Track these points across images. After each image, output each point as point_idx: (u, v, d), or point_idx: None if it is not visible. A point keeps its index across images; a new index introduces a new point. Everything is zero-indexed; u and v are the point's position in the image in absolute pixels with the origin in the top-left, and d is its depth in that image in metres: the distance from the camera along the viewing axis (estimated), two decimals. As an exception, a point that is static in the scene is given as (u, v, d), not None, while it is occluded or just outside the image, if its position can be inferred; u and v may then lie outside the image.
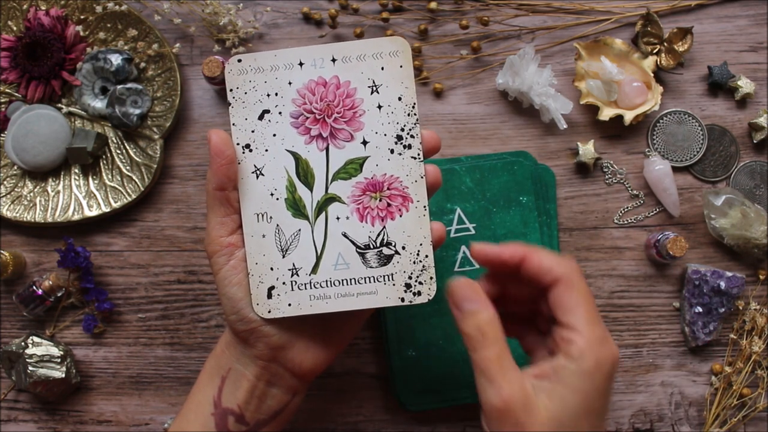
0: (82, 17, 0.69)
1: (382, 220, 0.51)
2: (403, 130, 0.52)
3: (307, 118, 0.52)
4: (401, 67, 0.52)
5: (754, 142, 0.68)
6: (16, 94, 0.68)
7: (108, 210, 0.67)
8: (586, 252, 0.68)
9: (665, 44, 0.68)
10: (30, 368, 0.65)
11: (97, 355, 0.68)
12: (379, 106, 0.52)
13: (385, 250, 0.51)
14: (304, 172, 0.51)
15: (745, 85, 0.68)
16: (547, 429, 0.45)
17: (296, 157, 0.52)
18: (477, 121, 0.69)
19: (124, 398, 0.68)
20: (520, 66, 0.66)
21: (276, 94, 0.52)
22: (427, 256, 0.51)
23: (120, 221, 0.69)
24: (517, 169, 0.66)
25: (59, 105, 0.68)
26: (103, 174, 0.68)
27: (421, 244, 0.51)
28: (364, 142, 0.52)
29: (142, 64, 0.68)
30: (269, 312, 0.51)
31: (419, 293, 0.51)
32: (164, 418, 0.68)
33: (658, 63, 0.68)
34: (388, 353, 0.65)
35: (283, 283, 0.51)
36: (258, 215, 0.51)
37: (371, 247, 0.51)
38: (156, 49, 0.68)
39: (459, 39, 0.70)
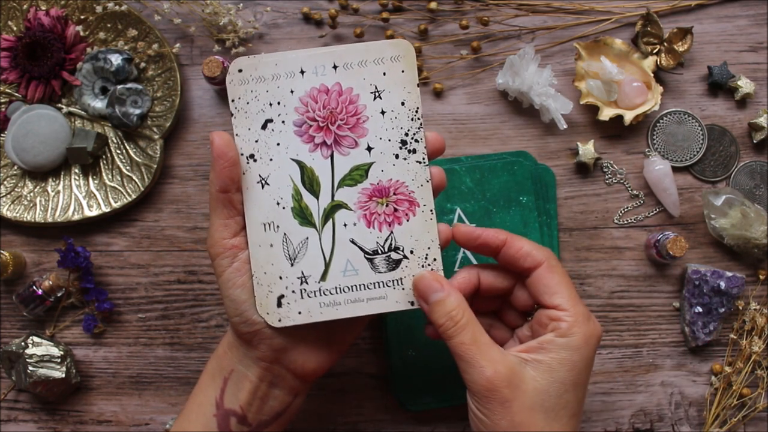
0: (82, 17, 0.69)
1: (390, 225, 0.52)
2: (407, 134, 0.52)
3: (311, 126, 0.52)
4: (403, 71, 0.52)
5: (754, 142, 0.68)
6: (16, 94, 0.68)
7: (108, 210, 0.67)
8: (586, 252, 0.68)
9: (665, 44, 0.68)
10: (30, 368, 0.65)
11: (97, 355, 0.68)
12: (383, 112, 0.52)
13: (394, 255, 0.52)
14: (309, 180, 0.51)
15: (745, 85, 0.68)
16: (534, 401, 0.47)
17: (301, 165, 0.51)
18: (477, 121, 0.69)
19: (124, 398, 0.68)
20: (520, 66, 0.66)
21: (278, 103, 0.51)
22: (435, 260, 0.52)
23: (120, 221, 0.69)
24: (517, 169, 0.66)
25: (59, 105, 0.68)
26: (103, 174, 0.68)
27: (429, 248, 0.52)
28: (369, 148, 0.52)
29: (142, 64, 0.68)
30: (280, 321, 0.51)
31: None
32: (164, 418, 0.68)
33: (658, 63, 0.68)
34: (388, 353, 0.65)
35: (293, 291, 0.51)
36: (265, 225, 0.51)
37: (379, 252, 0.51)
38: (156, 49, 0.68)
39: (459, 39, 0.70)
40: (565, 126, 0.67)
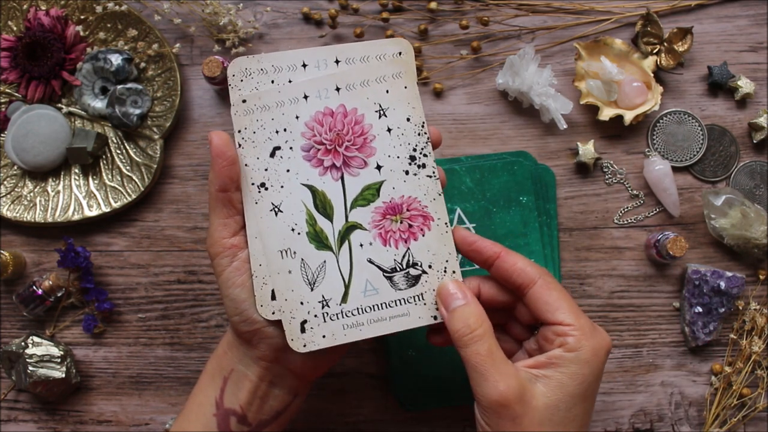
0: (82, 17, 0.69)
1: (406, 242, 0.52)
2: (415, 150, 0.52)
3: (319, 149, 0.51)
4: (406, 87, 0.52)
5: (754, 142, 0.68)
6: (16, 94, 0.68)
7: (108, 210, 0.67)
8: (586, 252, 0.68)
9: (665, 44, 0.68)
10: (30, 368, 0.65)
11: (97, 355, 0.68)
12: (389, 129, 0.52)
13: (412, 271, 0.51)
14: (322, 204, 0.51)
15: (745, 85, 0.68)
16: (543, 416, 0.46)
17: (312, 189, 0.51)
18: (477, 121, 0.69)
19: (124, 398, 0.68)
20: (520, 66, 0.66)
21: (284, 130, 0.51)
22: (454, 272, 0.52)
23: (120, 221, 0.69)
24: (517, 169, 0.66)
25: (59, 105, 0.68)
26: (103, 174, 0.68)
27: (447, 261, 0.52)
28: (378, 167, 0.52)
29: (142, 64, 0.68)
30: (305, 346, 0.50)
31: None
32: (164, 418, 0.68)
33: (658, 63, 0.68)
34: (388, 353, 0.65)
35: (315, 315, 0.51)
36: (282, 252, 0.51)
37: (398, 269, 0.51)
38: (156, 49, 0.68)
39: (459, 39, 0.70)
40: (565, 126, 0.67)
